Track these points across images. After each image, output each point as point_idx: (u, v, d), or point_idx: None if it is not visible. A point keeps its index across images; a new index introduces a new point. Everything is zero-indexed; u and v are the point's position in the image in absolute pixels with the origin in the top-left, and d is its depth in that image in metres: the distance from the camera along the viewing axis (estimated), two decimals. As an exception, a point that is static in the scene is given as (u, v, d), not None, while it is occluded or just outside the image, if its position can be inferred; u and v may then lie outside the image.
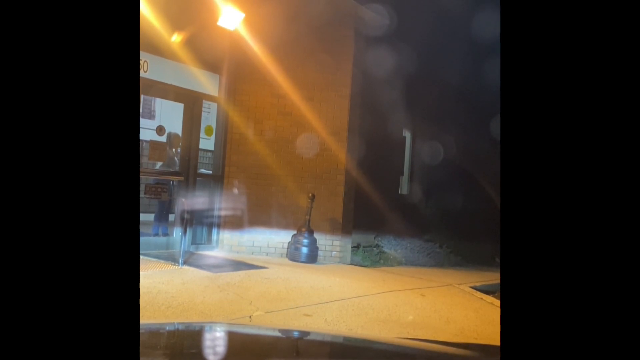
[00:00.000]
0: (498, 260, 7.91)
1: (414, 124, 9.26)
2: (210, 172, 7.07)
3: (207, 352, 1.30)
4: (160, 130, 6.89)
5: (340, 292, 5.05)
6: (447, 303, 5.03)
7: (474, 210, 9.41)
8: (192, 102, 6.71)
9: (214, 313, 3.92)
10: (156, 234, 6.63)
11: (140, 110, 7.06)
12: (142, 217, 6.47)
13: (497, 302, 5.15)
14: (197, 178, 6.77)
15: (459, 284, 6.18)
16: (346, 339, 1.84)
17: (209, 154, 7.11)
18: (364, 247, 7.72)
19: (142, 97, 6.62)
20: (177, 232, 6.45)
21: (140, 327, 1.08)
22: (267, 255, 6.83)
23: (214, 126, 7.01)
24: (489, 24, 5.53)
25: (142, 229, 6.03)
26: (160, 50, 6.05)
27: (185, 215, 5.74)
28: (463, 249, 9.02)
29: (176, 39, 6.14)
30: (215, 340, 1.43)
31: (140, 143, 6.36)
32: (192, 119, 6.73)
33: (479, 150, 9.47)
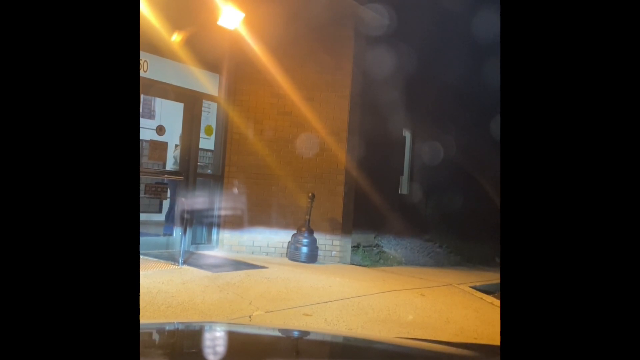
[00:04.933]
0: (498, 260, 7.91)
1: (414, 124, 9.26)
2: (210, 171, 7.08)
3: (207, 352, 1.30)
4: (160, 130, 6.90)
5: (340, 291, 5.05)
6: (447, 303, 5.03)
7: (474, 210, 9.40)
8: (192, 101, 6.72)
9: (213, 313, 3.92)
10: (168, 234, 6.63)
11: (140, 110, 7.07)
12: (142, 217, 6.47)
13: (497, 302, 5.15)
14: (197, 178, 6.78)
15: (459, 284, 6.18)
16: (346, 338, 1.84)
17: (209, 154, 7.12)
18: (363, 246, 7.72)
19: (142, 96, 6.62)
20: (177, 232, 6.45)
21: (140, 327, 1.08)
22: (267, 255, 6.83)
23: (214, 126, 7.02)
24: (489, 24, 5.53)
25: (142, 229, 6.04)
26: (160, 50, 6.04)
27: (185, 215, 5.74)
28: (463, 249, 9.01)
29: (176, 38, 6.14)
30: (215, 340, 1.43)
31: (140, 143, 6.37)
32: (192, 119, 6.74)
33: (479, 150, 9.46)
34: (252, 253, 6.82)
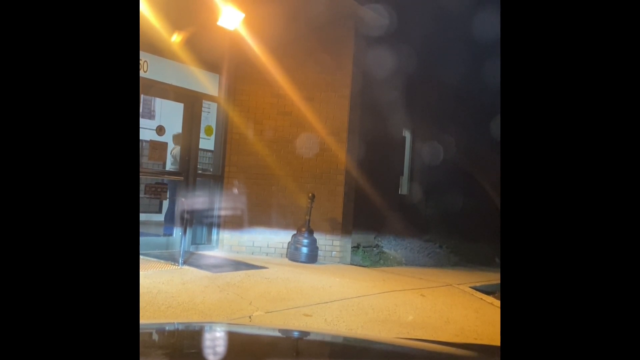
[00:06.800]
0: (498, 260, 7.90)
1: (414, 124, 9.25)
2: (210, 171, 7.08)
3: (207, 352, 1.30)
4: (160, 130, 6.90)
5: (340, 292, 5.05)
6: (447, 303, 5.03)
7: (474, 211, 9.40)
8: (192, 102, 6.72)
9: (214, 313, 3.92)
10: (169, 235, 6.62)
11: (140, 110, 7.08)
12: (142, 217, 6.47)
13: (497, 302, 5.15)
14: (197, 178, 6.78)
15: (459, 284, 6.18)
16: (346, 339, 1.84)
17: (209, 154, 7.12)
18: (363, 247, 7.72)
19: (142, 97, 6.62)
20: (177, 232, 6.45)
21: (140, 327, 1.08)
22: (267, 255, 6.83)
23: (214, 126, 7.02)
24: (489, 24, 5.53)
25: (142, 229, 6.04)
26: (160, 50, 6.05)
27: (185, 215, 5.74)
28: (463, 249, 9.01)
29: (176, 39, 6.14)
30: (215, 340, 1.43)
31: (140, 143, 6.37)
32: (192, 119, 6.74)
33: (479, 150, 9.46)
34: (252, 253, 6.82)
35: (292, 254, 6.63)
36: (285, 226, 6.83)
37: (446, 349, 1.52)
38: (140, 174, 5.77)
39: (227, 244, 6.88)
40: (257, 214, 6.90)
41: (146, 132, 6.93)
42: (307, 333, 1.99)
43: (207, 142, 6.99)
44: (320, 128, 6.90)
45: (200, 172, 6.88)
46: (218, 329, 1.72)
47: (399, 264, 7.76)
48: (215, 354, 1.23)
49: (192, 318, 3.74)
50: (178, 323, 2.13)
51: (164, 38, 5.93)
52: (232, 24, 6.24)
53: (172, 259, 5.70)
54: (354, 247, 7.39)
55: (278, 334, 1.81)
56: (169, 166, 7.01)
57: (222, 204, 6.95)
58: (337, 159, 6.94)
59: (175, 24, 6.05)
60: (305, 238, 6.59)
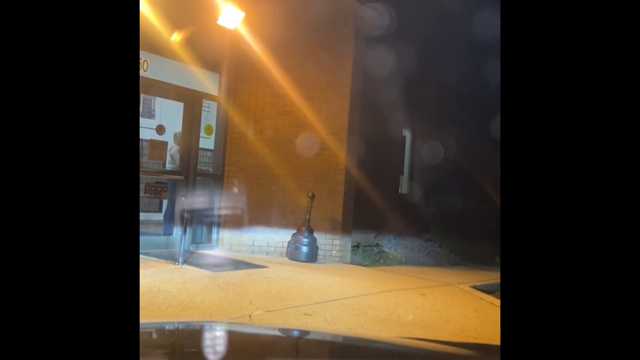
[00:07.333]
0: (498, 260, 7.90)
1: (414, 124, 9.25)
2: (210, 171, 7.08)
3: (207, 351, 1.30)
4: (160, 129, 6.90)
5: (340, 291, 5.05)
6: (447, 302, 5.03)
7: (474, 210, 9.40)
8: (192, 101, 6.72)
9: (214, 312, 3.92)
10: (169, 234, 6.62)
11: (140, 109, 7.07)
12: (142, 216, 6.47)
13: (497, 302, 5.15)
14: (197, 177, 6.78)
15: (459, 284, 6.18)
16: (346, 338, 1.84)
17: (209, 154, 7.12)
18: (363, 246, 7.72)
19: (142, 96, 6.62)
20: (177, 231, 6.45)
21: (140, 326, 1.08)
22: (267, 254, 6.83)
23: (214, 125, 7.02)
24: (489, 24, 5.53)
25: (142, 229, 6.04)
26: (160, 50, 6.04)
27: (185, 215, 5.74)
28: (463, 248, 9.01)
29: (176, 38, 6.14)
30: (215, 340, 1.43)
31: (140, 142, 6.37)
32: (192, 118, 6.73)
33: (479, 150, 9.45)
34: (252, 252, 6.82)
35: (292, 253, 6.63)
36: (285, 225, 6.83)
37: (446, 349, 1.53)
38: (140, 173, 5.77)
39: (227, 243, 6.89)
40: (257, 214, 6.91)
41: (146, 131, 6.92)
42: (307, 332, 1.99)
43: (207, 142, 6.98)
44: (320, 128, 6.91)
45: (200, 171, 6.88)
46: (218, 328, 1.72)
47: (399, 263, 7.76)
48: (215, 353, 1.24)
49: (192, 317, 3.74)
50: (178, 322, 2.13)
51: (164, 37, 5.93)
52: (232, 23, 6.24)
53: (172, 258, 5.70)
54: (354, 246, 7.40)
55: (278, 333, 1.82)
56: (168, 165, 7.01)
57: (222, 203, 6.95)
58: (337, 158, 6.94)
59: (175, 23, 6.05)
60: (305, 237, 6.59)
